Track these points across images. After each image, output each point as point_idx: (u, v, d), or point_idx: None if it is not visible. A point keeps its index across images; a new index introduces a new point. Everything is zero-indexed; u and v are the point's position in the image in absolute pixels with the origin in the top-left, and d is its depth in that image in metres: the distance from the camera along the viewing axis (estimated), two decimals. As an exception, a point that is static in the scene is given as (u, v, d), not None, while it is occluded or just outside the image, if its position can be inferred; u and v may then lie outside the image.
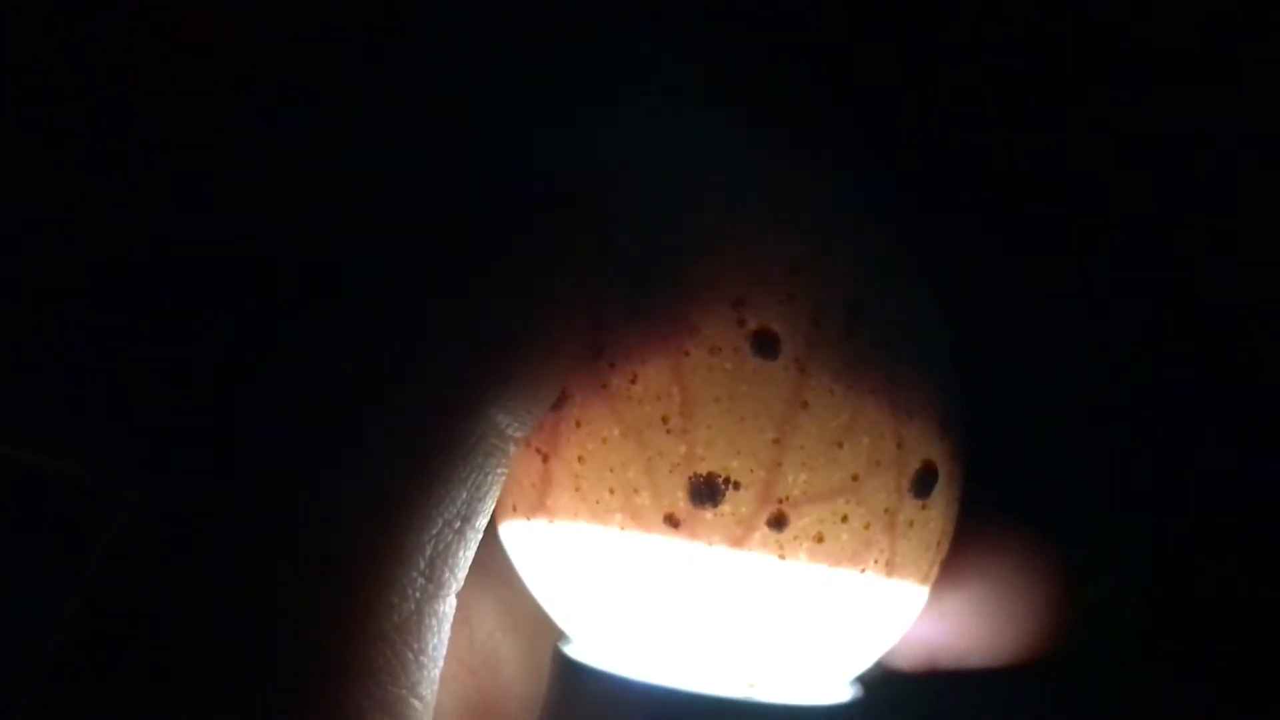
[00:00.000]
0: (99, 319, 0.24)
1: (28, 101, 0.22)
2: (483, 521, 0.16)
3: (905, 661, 0.20)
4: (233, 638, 0.14)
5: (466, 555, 0.15)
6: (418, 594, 0.15)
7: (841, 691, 0.19)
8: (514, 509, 0.18)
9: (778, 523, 0.16)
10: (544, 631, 0.21)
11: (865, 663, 0.19)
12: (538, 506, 0.17)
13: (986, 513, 0.19)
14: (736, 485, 0.16)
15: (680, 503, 0.16)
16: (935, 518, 0.17)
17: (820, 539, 0.16)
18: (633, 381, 0.16)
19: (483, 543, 0.16)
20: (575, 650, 0.19)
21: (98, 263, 0.23)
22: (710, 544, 0.16)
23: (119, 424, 0.24)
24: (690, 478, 0.16)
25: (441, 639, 0.15)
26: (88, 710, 0.14)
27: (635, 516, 0.16)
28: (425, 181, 0.17)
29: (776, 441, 0.16)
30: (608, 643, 0.18)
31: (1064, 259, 0.19)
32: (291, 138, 0.19)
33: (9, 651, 0.25)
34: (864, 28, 0.19)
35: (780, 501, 0.16)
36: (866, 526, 0.17)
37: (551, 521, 0.17)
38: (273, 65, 0.20)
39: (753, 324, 0.16)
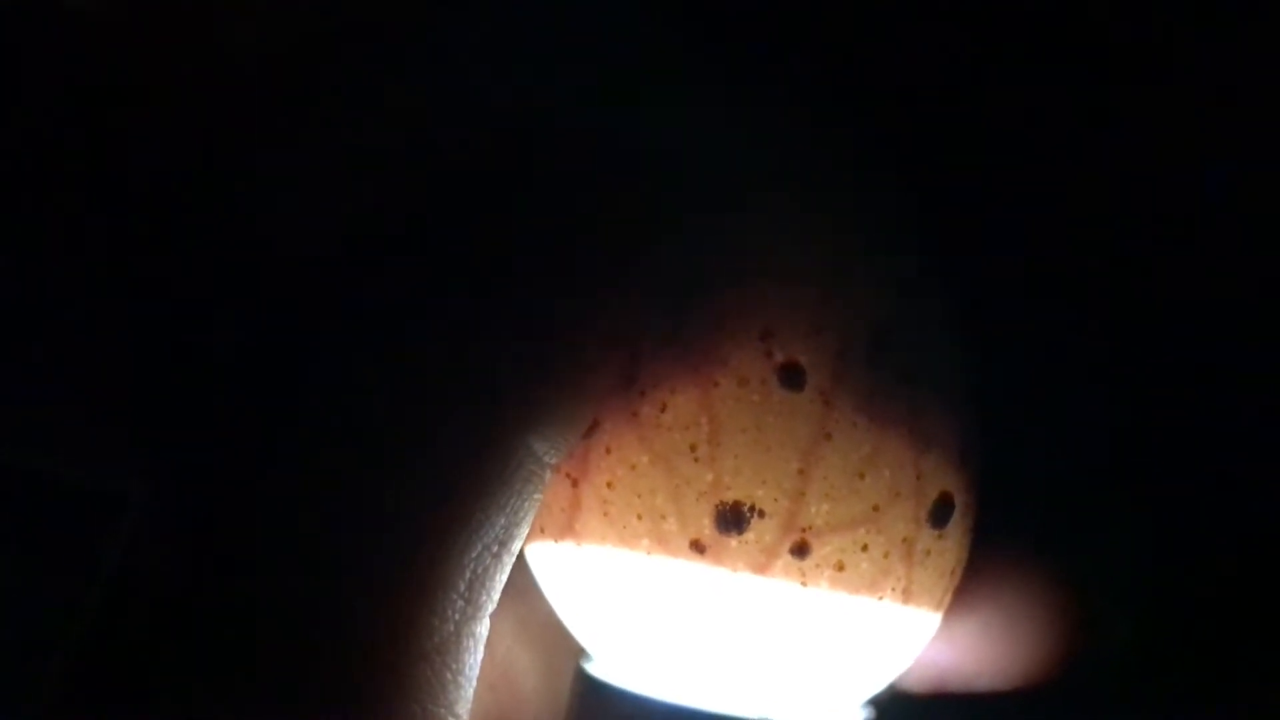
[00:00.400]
0: (120, 327, 0.24)
1: (41, 104, 0.22)
2: (518, 545, 0.16)
3: (916, 684, 0.21)
4: (277, 660, 0.15)
5: (502, 578, 0.16)
6: (457, 615, 0.15)
7: (854, 713, 0.19)
8: (542, 531, 0.18)
9: (800, 551, 0.17)
10: (561, 648, 0.21)
11: (879, 686, 0.19)
12: (566, 530, 0.18)
13: (998, 540, 0.19)
14: (761, 514, 0.17)
15: (706, 529, 0.17)
16: (951, 547, 0.18)
17: (841, 567, 0.17)
18: (662, 410, 0.17)
19: (501, 563, 0.17)
20: (597, 669, 0.19)
21: (116, 268, 0.23)
22: (734, 570, 0.17)
23: (139, 436, 0.25)
24: (716, 505, 0.17)
25: (477, 659, 0.16)
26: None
27: (662, 542, 0.17)
28: (465, 209, 0.17)
29: (801, 472, 0.17)
30: (629, 662, 0.19)
31: (1083, 288, 0.20)
32: (336, 151, 0.19)
33: (22, 656, 0.25)
34: (891, 57, 0.20)
35: (803, 530, 0.17)
36: (885, 555, 0.17)
37: (579, 545, 0.18)
38: (300, 68, 0.20)
39: (780, 357, 0.17)
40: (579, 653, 0.20)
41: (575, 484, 0.18)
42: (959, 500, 0.18)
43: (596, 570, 0.18)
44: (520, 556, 0.19)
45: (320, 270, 0.19)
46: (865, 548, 0.17)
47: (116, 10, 0.21)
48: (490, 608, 0.16)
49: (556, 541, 0.18)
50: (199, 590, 0.15)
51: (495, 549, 0.16)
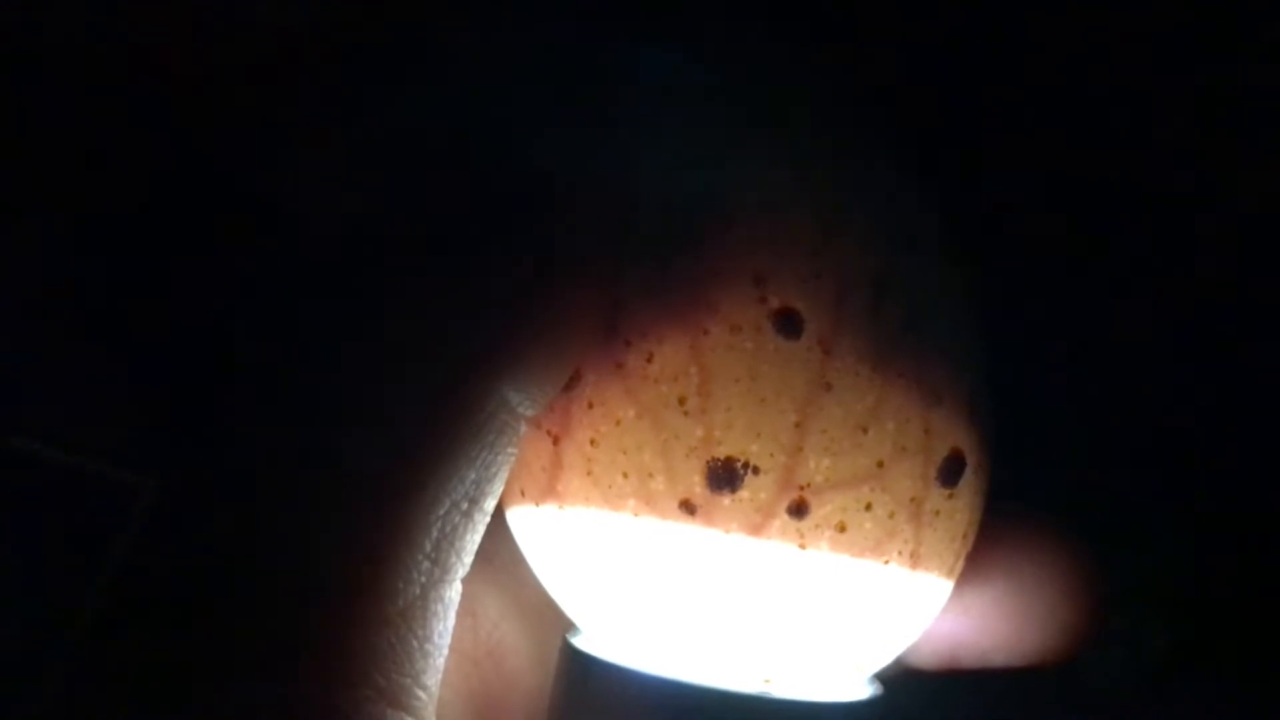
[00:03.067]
0: (120, 326, 0.24)
1: (59, 100, 0.22)
2: (491, 504, 0.15)
3: (926, 659, 0.19)
4: (234, 622, 0.14)
5: (474, 539, 0.15)
6: (423, 578, 0.14)
7: (860, 689, 0.18)
8: (522, 494, 0.17)
9: (798, 510, 0.16)
10: (551, 623, 0.20)
11: (885, 659, 0.18)
12: (547, 491, 0.17)
13: (1014, 506, 0.18)
14: (756, 470, 0.15)
15: (697, 488, 0.16)
16: (962, 508, 0.17)
17: (842, 528, 0.16)
18: (649, 360, 0.16)
19: (487, 532, 0.15)
20: (584, 642, 0.18)
21: (131, 269, 0.23)
22: (727, 532, 0.16)
23: (138, 416, 0.24)
24: (708, 462, 0.16)
25: (447, 626, 0.15)
26: (105, 694, 0.14)
27: (649, 502, 0.16)
28: (444, 155, 0.16)
29: (798, 425, 0.15)
30: (618, 634, 0.18)
31: (1103, 234, 0.18)
32: (317, 123, 0.18)
33: (40, 630, 0.25)
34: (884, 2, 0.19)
35: (801, 488, 0.16)
36: (891, 516, 0.16)
37: (561, 507, 0.17)
38: (301, 64, 0.20)
39: (775, 302, 0.16)
40: (569, 628, 0.19)
41: (556, 441, 0.16)
42: (971, 458, 0.17)
43: (580, 534, 0.17)
44: (505, 525, 0.18)
45: (310, 247, 0.18)
46: (869, 507, 0.16)
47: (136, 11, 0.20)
48: (461, 571, 0.15)
49: (537, 504, 0.17)
50: (177, 570, 0.14)
51: (465, 506, 0.14)
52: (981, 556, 0.18)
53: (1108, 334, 0.20)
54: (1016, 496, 0.18)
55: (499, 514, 0.18)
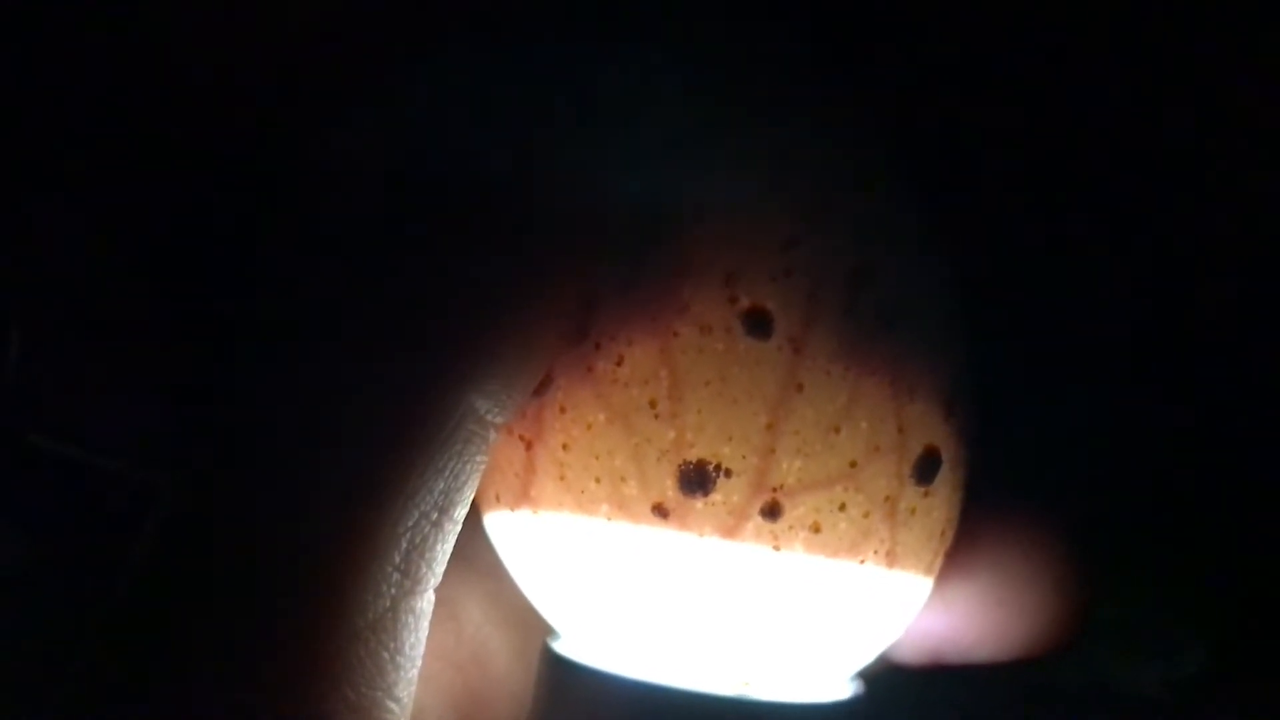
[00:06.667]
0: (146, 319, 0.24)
1: (68, 101, 0.21)
2: (461, 513, 0.15)
3: (908, 656, 0.19)
4: (201, 636, 0.13)
5: (445, 549, 0.15)
6: (393, 590, 0.14)
7: (841, 689, 0.18)
8: (497, 499, 0.17)
9: (772, 512, 0.15)
10: (534, 626, 0.20)
11: (865, 658, 0.18)
12: (521, 497, 0.17)
13: (993, 499, 0.18)
14: (728, 473, 0.15)
15: (669, 491, 0.15)
16: (939, 505, 0.17)
17: (817, 529, 0.16)
18: (619, 363, 0.16)
19: (468, 535, 0.15)
20: (564, 646, 0.18)
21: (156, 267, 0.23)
22: (701, 535, 0.16)
23: (150, 416, 0.24)
24: (679, 465, 0.15)
25: (419, 638, 0.15)
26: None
27: (622, 506, 0.16)
28: (409, 160, 0.16)
29: (770, 426, 0.15)
30: (597, 638, 0.17)
31: (1080, 225, 0.18)
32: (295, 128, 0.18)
33: (64, 624, 0.25)
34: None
35: (774, 490, 0.15)
36: (866, 515, 0.16)
37: (536, 512, 0.16)
38: (293, 70, 0.20)
39: (745, 302, 0.15)
40: (551, 631, 0.19)
41: (529, 447, 0.16)
42: (946, 454, 0.16)
43: (555, 539, 0.16)
44: (484, 530, 0.18)
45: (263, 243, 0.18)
46: (843, 507, 0.16)
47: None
48: (433, 581, 0.15)
49: (512, 510, 0.17)
50: (152, 586, 0.14)
51: (434, 516, 0.14)
52: (964, 551, 0.18)
53: (1114, 325, 0.20)
54: (1019, 493, 0.18)
55: (479, 518, 0.18)
